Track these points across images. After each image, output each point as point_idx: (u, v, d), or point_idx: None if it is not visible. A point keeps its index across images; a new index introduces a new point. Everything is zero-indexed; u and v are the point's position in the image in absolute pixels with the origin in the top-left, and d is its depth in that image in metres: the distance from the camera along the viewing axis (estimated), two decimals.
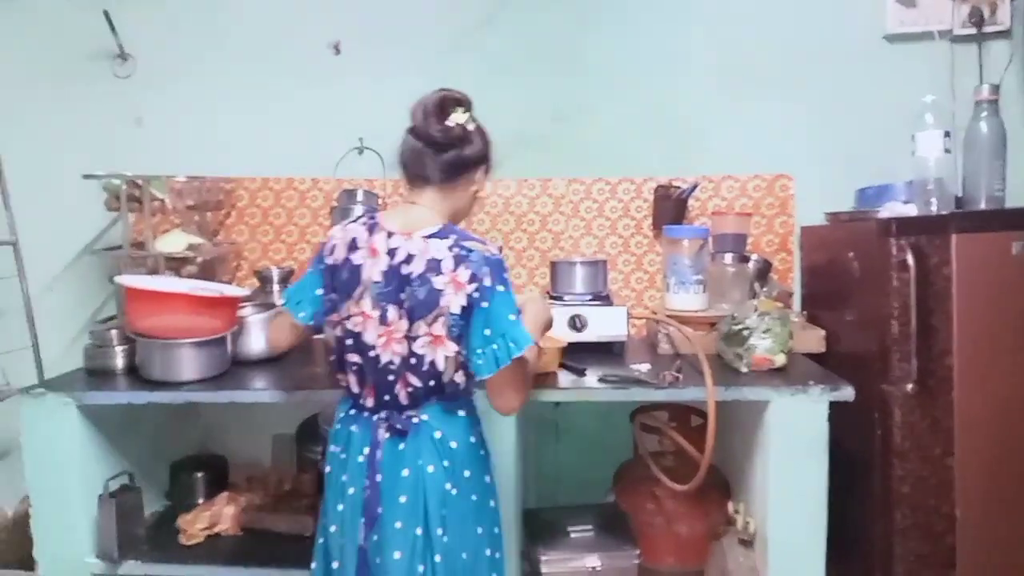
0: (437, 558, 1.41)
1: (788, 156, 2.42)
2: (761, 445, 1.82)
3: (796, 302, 2.40)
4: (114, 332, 2.04)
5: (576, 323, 2.08)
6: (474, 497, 1.47)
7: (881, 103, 2.36)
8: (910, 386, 1.77)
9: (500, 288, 1.39)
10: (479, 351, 1.39)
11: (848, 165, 2.35)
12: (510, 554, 1.78)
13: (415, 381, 1.43)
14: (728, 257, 2.25)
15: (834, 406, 1.74)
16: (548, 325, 1.63)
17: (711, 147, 2.44)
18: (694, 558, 2.01)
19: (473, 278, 1.38)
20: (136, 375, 1.97)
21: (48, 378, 2.20)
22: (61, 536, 1.92)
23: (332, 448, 1.53)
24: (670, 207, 2.38)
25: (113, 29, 2.49)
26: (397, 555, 1.41)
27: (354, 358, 1.47)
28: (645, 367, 1.93)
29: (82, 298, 2.59)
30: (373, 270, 1.44)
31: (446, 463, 1.44)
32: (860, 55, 2.40)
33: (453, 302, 1.39)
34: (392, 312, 1.42)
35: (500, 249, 1.46)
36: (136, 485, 2.03)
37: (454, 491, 1.44)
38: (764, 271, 2.32)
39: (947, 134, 1.95)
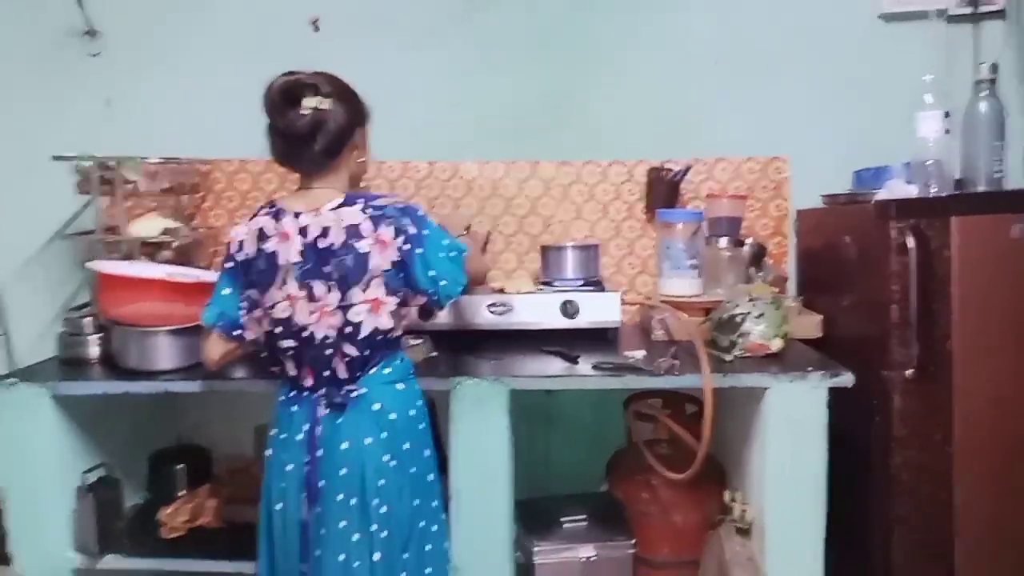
0: (373, 527, 1.46)
1: (783, 138, 2.37)
2: (758, 433, 1.79)
3: (792, 287, 2.36)
4: (88, 320, 1.98)
5: (568, 309, 2.03)
6: (413, 469, 1.52)
7: (877, 83, 2.31)
8: (910, 372, 1.73)
9: (425, 232, 1.49)
10: (431, 291, 1.50)
11: (845, 146, 2.30)
12: (499, 541, 1.79)
13: (351, 351, 1.48)
14: (723, 241, 2.21)
15: (833, 392, 1.71)
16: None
17: (704, 129, 2.38)
18: (690, 548, 1.97)
19: (398, 232, 1.45)
20: (112, 364, 1.91)
21: (20, 368, 2.12)
22: (38, 530, 1.87)
23: (273, 431, 1.58)
24: (663, 190, 2.32)
25: (80, 4, 2.38)
26: (342, 524, 1.47)
27: (288, 343, 1.51)
28: (640, 354, 1.89)
29: (54, 285, 2.49)
30: (289, 252, 1.48)
31: (384, 435, 1.49)
32: (855, 34, 2.35)
33: (383, 260, 1.45)
34: (319, 287, 1.46)
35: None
36: (115, 477, 1.97)
37: (392, 463, 1.49)
38: (759, 255, 2.28)
39: (947, 114, 1.91)
